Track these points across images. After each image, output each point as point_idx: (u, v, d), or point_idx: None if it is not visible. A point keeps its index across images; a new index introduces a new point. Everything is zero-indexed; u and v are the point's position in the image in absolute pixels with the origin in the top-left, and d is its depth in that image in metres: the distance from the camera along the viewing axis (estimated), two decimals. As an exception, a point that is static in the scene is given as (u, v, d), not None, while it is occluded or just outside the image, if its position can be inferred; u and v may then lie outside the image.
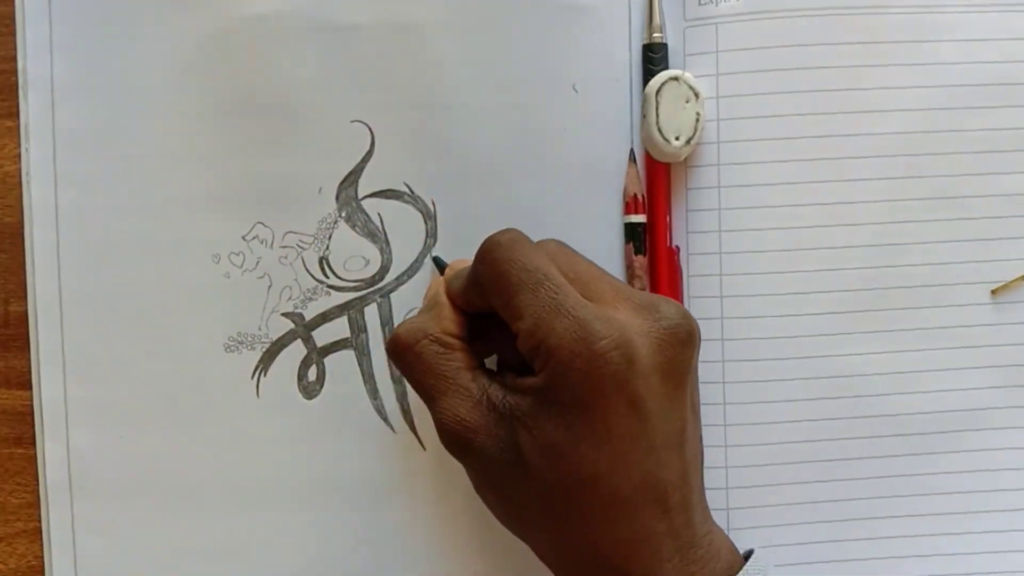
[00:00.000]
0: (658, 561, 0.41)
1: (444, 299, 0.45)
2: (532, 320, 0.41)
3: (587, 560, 0.42)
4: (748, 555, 0.44)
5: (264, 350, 0.50)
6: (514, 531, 0.45)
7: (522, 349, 0.42)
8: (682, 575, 0.41)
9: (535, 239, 0.49)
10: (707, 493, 0.48)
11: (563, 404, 0.40)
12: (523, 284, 0.41)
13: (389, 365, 0.50)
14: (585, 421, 0.40)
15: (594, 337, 0.40)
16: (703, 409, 0.49)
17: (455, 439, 0.42)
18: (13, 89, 0.49)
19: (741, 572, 0.42)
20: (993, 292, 0.50)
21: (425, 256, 0.50)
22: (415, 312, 0.48)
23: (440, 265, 0.49)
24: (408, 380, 0.45)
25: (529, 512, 0.43)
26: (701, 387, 0.49)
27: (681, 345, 0.42)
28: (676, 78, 0.48)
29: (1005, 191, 0.50)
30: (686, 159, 0.50)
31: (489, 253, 0.42)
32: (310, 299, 0.50)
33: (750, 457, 0.49)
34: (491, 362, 0.47)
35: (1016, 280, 0.50)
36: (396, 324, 0.50)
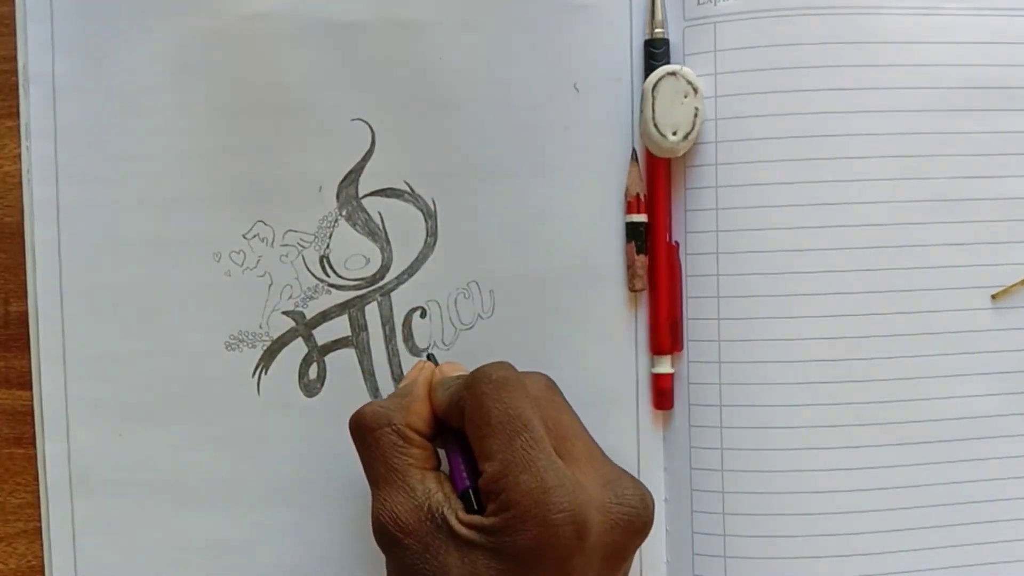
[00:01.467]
0: None
1: (421, 393, 0.45)
2: (500, 466, 0.41)
3: None
4: None
5: (265, 348, 0.50)
6: None
7: (481, 486, 0.42)
8: None
9: (535, 239, 0.50)
10: (700, 499, 0.48)
11: (503, 555, 0.40)
12: (501, 428, 0.42)
13: (389, 364, 0.50)
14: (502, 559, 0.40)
15: (553, 507, 0.40)
16: (697, 411, 0.50)
17: (385, 534, 0.42)
18: (13, 89, 0.50)
19: None
20: (993, 297, 0.50)
21: (426, 256, 0.50)
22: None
23: (434, 362, 0.49)
24: (361, 460, 0.44)
25: None
26: (696, 388, 0.50)
27: (633, 533, 0.42)
28: (674, 73, 0.49)
29: (1005, 195, 0.50)
30: (685, 158, 0.50)
31: (477, 387, 0.43)
32: (311, 297, 0.50)
33: (746, 461, 0.49)
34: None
35: (1017, 285, 0.50)
36: (397, 322, 0.50)
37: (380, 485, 0.43)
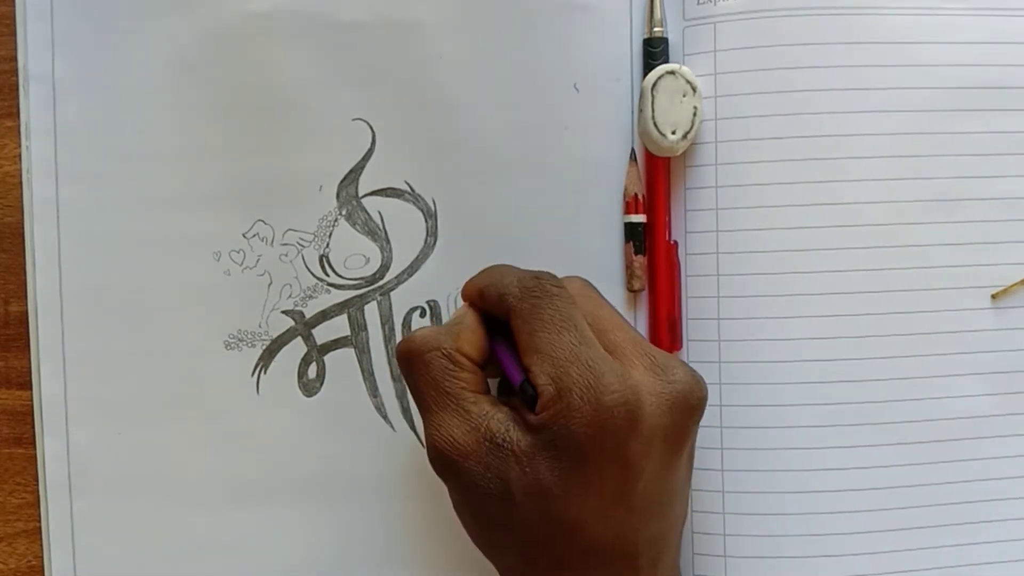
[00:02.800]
0: None
1: (471, 322, 0.44)
2: (548, 360, 0.41)
3: None
4: None
5: (264, 347, 0.50)
6: (486, 555, 0.45)
7: (531, 383, 0.41)
8: None
9: (534, 239, 0.50)
10: (700, 498, 0.48)
11: (561, 449, 0.40)
12: (551, 324, 0.42)
13: (389, 363, 0.50)
14: (579, 470, 0.40)
15: (604, 390, 0.40)
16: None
17: (443, 459, 0.42)
18: (13, 89, 0.50)
19: None
20: (993, 296, 0.50)
21: (426, 255, 0.50)
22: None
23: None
24: (409, 387, 0.44)
25: (504, 543, 0.43)
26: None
27: (689, 411, 0.43)
28: (673, 72, 0.49)
29: (1004, 195, 0.50)
30: (684, 158, 0.50)
31: (532, 286, 0.43)
32: (310, 297, 0.50)
33: (745, 462, 0.49)
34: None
35: (1016, 284, 0.50)
36: (396, 322, 0.50)
37: (432, 410, 0.43)
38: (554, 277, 0.43)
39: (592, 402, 0.40)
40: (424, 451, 0.50)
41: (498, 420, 0.42)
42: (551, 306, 0.42)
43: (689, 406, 0.43)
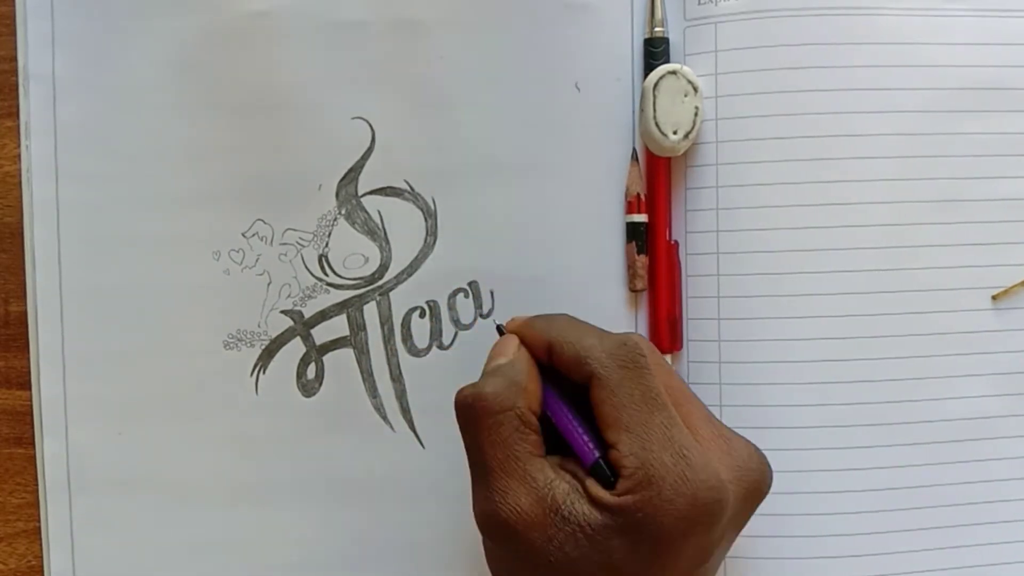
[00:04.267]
0: None
1: (528, 370, 0.43)
2: (639, 442, 0.39)
3: None
4: None
5: (263, 347, 0.50)
6: None
7: (615, 462, 0.40)
8: None
9: (535, 239, 0.50)
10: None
11: (644, 535, 0.39)
12: (644, 402, 0.40)
13: (388, 363, 0.50)
14: (660, 557, 0.39)
15: (701, 485, 0.39)
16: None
17: (504, 526, 0.40)
18: (13, 89, 0.50)
19: None
20: (994, 298, 0.50)
21: (426, 255, 0.50)
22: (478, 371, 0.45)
23: (500, 331, 0.46)
24: (470, 443, 0.42)
25: None
26: (696, 388, 0.49)
27: (759, 498, 0.42)
28: (674, 72, 0.49)
29: (1005, 196, 0.50)
30: (685, 158, 0.50)
31: (623, 355, 0.41)
32: (309, 297, 0.50)
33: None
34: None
35: (1017, 286, 0.50)
36: (396, 322, 0.50)
37: (496, 475, 0.40)
38: (641, 345, 0.41)
39: (687, 496, 0.39)
40: (423, 451, 0.50)
41: (563, 491, 0.40)
42: (643, 381, 0.41)
43: (760, 494, 0.42)
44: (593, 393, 0.41)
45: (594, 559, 0.39)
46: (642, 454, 0.39)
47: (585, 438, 0.41)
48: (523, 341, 0.44)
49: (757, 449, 0.43)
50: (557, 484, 0.40)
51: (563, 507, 0.40)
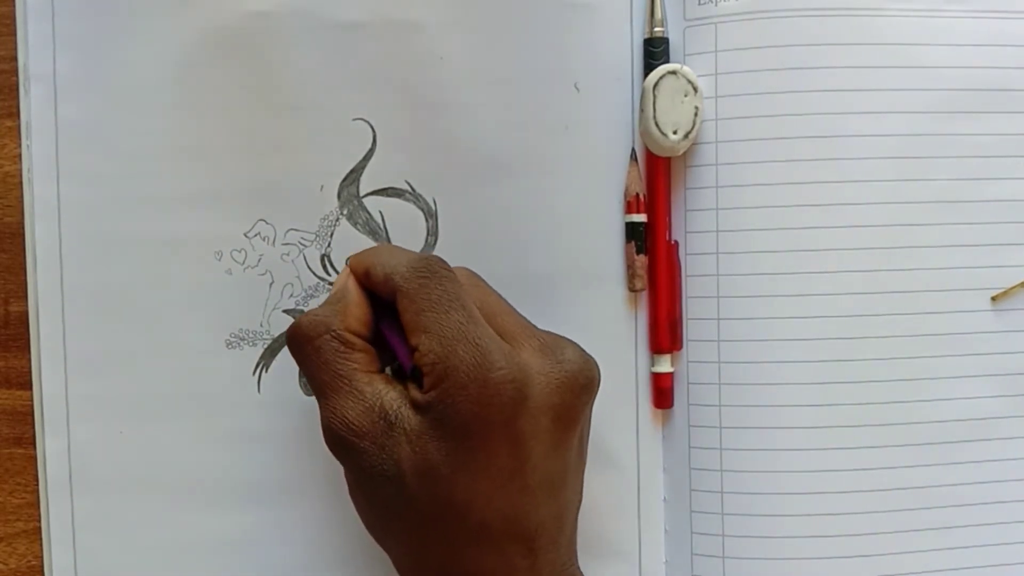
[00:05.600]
0: None
1: (355, 296, 0.44)
2: (436, 338, 0.41)
3: None
4: None
5: (266, 347, 0.50)
6: (378, 540, 0.45)
7: (418, 362, 0.41)
8: None
9: (535, 239, 0.50)
10: (699, 499, 0.48)
11: (449, 428, 0.40)
12: (439, 304, 0.41)
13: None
14: (467, 449, 0.40)
15: (492, 367, 0.40)
16: (696, 410, 0.50)
17: (338, 441, 0.42)
18: (13, 89, 0.50)
19: None
20: (993, 299, 0.50)
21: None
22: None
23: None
24: (303, 372, 0.44)
25: (396, 526, 0.43)
26: (695, 388, 0.50)
27: (579, 390, 0.43)
28: (674, 72, 0.49)
29: (1004, 197, 0.50)
30: (685, 158, 0.50)
31: (420, 267, 0.42)
32: (312, 296, 0.50)
33: (744, 463, 0.49)
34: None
35: (1016, 287, 0.50)
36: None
37: (327, 394, 0.42)
38: (443, 261, 0.43)
39: (479, 380, 0.40)
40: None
41: (391, 399, 0.41)
42: (439, 286, 0.42)
43: (579, 385, 0.42)
44: (399, 306, 0.42)
45: (415, 461, 0.40)
46: (439, 350, 0.40)
47: (405, 348, 0.42)
48: (352, 272, 0.45)
49: (580, 348, 0.44)
50: (386, 393, 0.42)
51: (390, 414, 0.41)
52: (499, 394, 0.40)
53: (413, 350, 0.41)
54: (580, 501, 0.45)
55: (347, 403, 0.42)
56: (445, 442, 0.40)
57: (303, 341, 0.43)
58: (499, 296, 0.45)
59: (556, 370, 0.42)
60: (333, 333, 0.43)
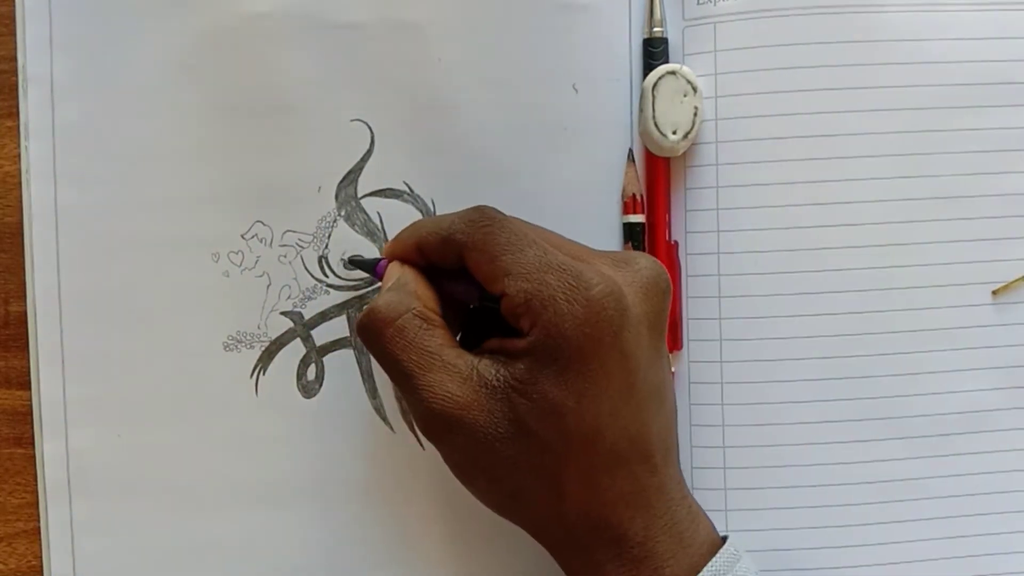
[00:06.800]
0: (651, 518, 0.42)
1: (414, 276, 0.44)
2: (521, 277, 0.40)
3: (583, 523, 0.42)
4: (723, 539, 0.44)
5: (263, 349, 0.50)
6: (505, 511, 0.44)
7: (507, 309, 0.41)
8: (671, 534, 0.42)
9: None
10: (704, 494, 0.48)
11: (562, 358, 0.40)
12: (510, 245, 0.41)
13: (389, 364, 0.50)
14: (584, 375, 0.40)
15: (589, 285, 0.40)
16: (700, 410, 0.50)
17: (444, 419, 0.41)
18: (13, 89, 0.50)
19: (725, 546, 0.43)
20: (994, 293, 0.50)
21: None
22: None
23: (361, 263, 0.48)
24: (382, 359, 0.43)
25: (523, 485, 0.42)
26: (696, 388, 0.50)
27: (661, 295, 0.42)
28: (674, 72, 0.48)
29: (1005, 191, 0.50)
30: (685, 158, 0.50)
31: (477, 217, 0.42)
32: (309, 298, 0.50)
33: (748, 459, 0.49)
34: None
35: (1017, 281, 0.50)
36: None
37: (418, 374, 0.41)
38: (490, 207, 0.43)
39: (581, 300, 0.40)
40: (423, 453, 0.50)
41: (485, 365, 0.41)
42: (503, 230, 0.41)
43: (660, 290, 0.42)
44: (467, 262, 0.42)
45: (536, 407, 0.40)
46: (529, 286, 0.40)
47: (480, 299, 0.42)
48: (399, 258, 0.45)
49: (649, 256, 0.44)
50: (479, 362, 0.41)
51: (491, 379, 0.41)
52: (604, 309, 0.40)
53: (498, 300, 0.41)
54: (677, 414, 0.45)
55: (444, 378, 0.41)
56: (561, 375, 0.40)
57: (383, 325, 0.42)
58: (547, 230, 0.45)
59: (638, 279, 0.42)
60: (414, 311, 0.42)
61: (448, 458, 0.43)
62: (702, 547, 0.43)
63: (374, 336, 0.42)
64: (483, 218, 0.42)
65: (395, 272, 0.44)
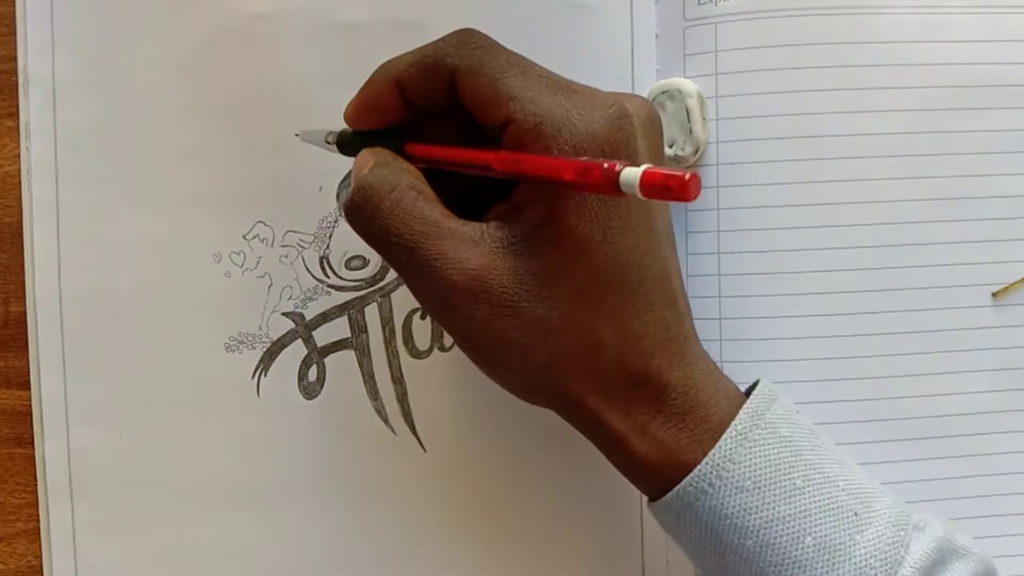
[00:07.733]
0: (688, 366, 0.40)
1: (395, 156, 0.40)
2: (528, 100, 0.37)
3: (621, 380, 0.39)
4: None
5: (264, 350, 0.50)
6: (536, 390, 0.41)
7: (512, 137, 0.38)
8: (709, 381, 0.41)
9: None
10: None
11: (616, 145, 0.37)
12: (511, 67, 0.38)
13: (389, 365, 0.50)
14: (606, 202, 0.37)
15: (606, 103, 0.38)
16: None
17: (464, 288, 0.37)
18: (13, 89, 0.49)
19: (760, 386, 0.42)
20: (994, 295, 0.50)
21: None
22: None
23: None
24: (380, 237, 0.39)
25: (557, 349, 0.39)
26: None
27: (657, 132, 0.41)
28: (673, 94, 0.49)
29: (1005, 193, 0.50)
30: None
31: (468, 39, 0.39)
32: (310, 299, 0.50)
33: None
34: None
35: (1017, 283, 0.50)
36: (397, 324, 0.50)
37: (424, 247, 0.38)
38: (477, 30, 0.40)
39: (598, 119, 0.37)
40: (424, 454, 0.50)
41: (495, 226, 0.38)
42: (500, 51, 0.39)
43: (656, 124, 0.40)
44: (461, 88, 0.39)
45: (565, 252, 0.38)
46: (535, 108, 0.37)
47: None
48: (369, 108, 0.42)
49: (639, 95, 0.41)
50: (487, 226, 0.39)
51: (507, 236, 0.38)
52: (621, 129, 0.37)
53: (502, 127, 0.38)
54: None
55: (455, 245, 0.38)
56: (582, 206, 0.37)
57: (378, 199, 0.38)
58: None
59: (638, 111, 0.39)
60: (408, 183, 0.39)
61: (470, 342, 0.40)
62: (736, 393, 0.41)
63: (369, 212, 0.39)
64: (474, 39, 0.39)
65: (371, 155, 0.41)
